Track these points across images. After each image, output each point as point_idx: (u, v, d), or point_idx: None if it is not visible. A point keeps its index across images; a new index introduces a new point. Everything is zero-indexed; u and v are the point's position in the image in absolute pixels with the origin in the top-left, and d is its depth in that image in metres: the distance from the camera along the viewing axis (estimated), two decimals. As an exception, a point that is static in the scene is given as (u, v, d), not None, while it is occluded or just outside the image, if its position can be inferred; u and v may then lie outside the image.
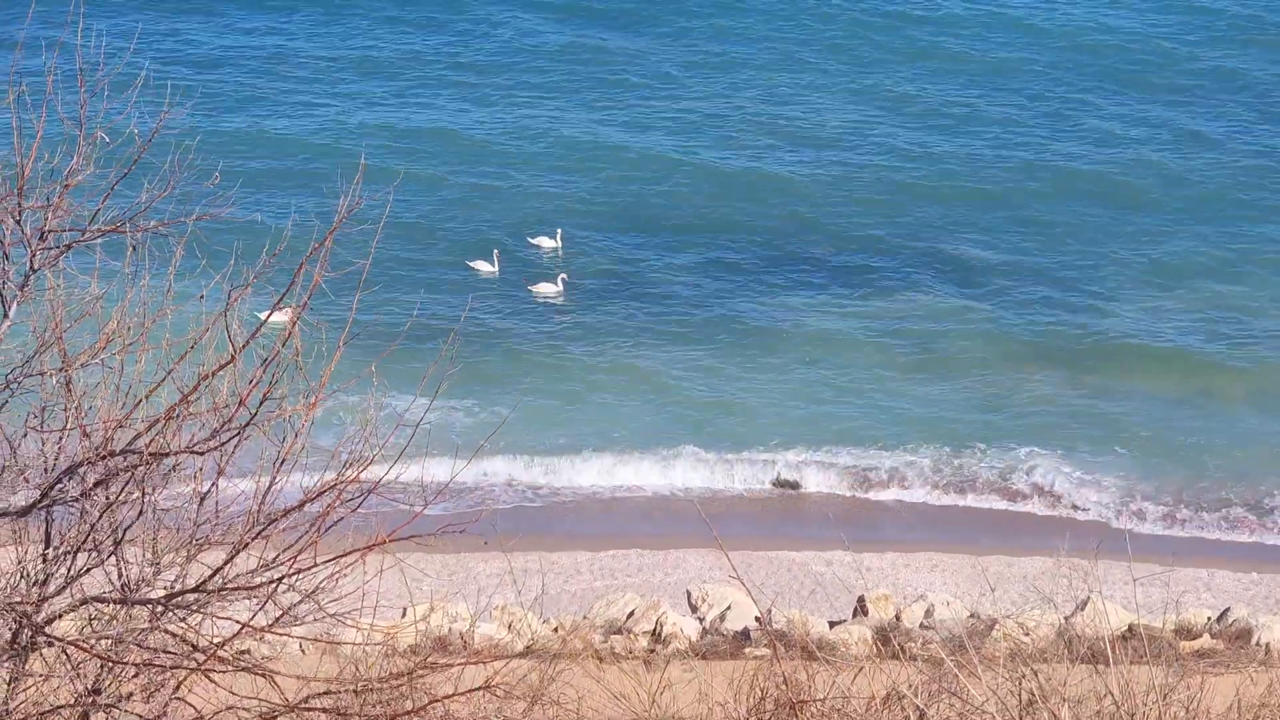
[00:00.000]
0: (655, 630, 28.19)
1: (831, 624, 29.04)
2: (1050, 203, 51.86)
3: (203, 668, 12.60)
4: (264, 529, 12.79)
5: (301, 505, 12.82)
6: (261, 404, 12.56)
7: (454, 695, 13.88)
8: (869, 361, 43.99)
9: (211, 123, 52.74)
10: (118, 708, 12.67)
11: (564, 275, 46.82)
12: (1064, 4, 65.66)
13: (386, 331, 40.30)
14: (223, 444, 12.70)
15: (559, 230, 48.77)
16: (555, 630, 27.76)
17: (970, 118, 57.11)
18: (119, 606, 12.58)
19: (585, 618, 28.81)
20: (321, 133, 54.53)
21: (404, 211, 48.76)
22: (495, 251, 47.43)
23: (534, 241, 48.68)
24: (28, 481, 12.89)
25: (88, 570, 12.75)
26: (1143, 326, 45.77)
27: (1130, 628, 27.54)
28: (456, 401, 39.95)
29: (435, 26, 62.70)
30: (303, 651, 22.01)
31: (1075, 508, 39.12)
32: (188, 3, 63.49)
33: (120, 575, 12.77)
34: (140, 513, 12.65)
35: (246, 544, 12.70)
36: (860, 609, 29.68)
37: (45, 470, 12.90)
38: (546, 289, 46.56)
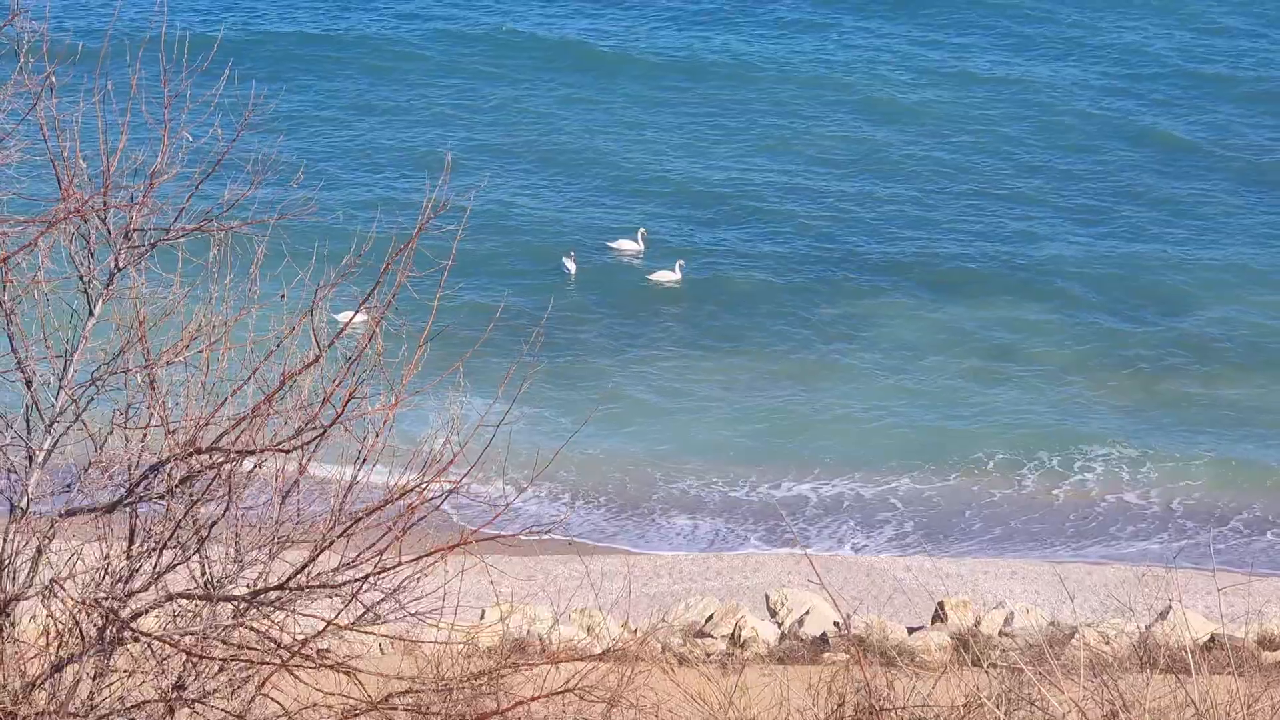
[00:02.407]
0: (734, 634, 28.12)
1: (910, 630, 28.90)
2: (1131, 204, 51.63)
3: (286, 665, 12.62)
4: (347, 528, 12.81)
5: (384, 504, 12.83)
6: (345, 403, 12.57)
7: (537, 697, 13.87)
8: (946, 366, 43.80)
9: (295, 122, 52.92)
10: (203, 703, 12.71)
11: (681, 261, 46.79)
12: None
13: (471, 330, 40.29)
14: (306, 443, 12.72)
15: (641, 230, 48.36)
16: (634, 633, 27.73)
17: (1050, 120, 56.98)
18: (203, 603, 12.63)
19: (664, 621, 28.77)
20: (408, 131, 54.62)
21: (492, 210, 48.67)
22: (571, 252, 47.24)
23: (614, 246, 48.29)
24: (112, 479, 12.95)
25: (172, 567, 12.80)
26: (1225, 331, 45.43)
27: (1212, 637, 27.30)
28: (540, 403, 39.83)
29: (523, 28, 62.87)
30: (382, 651, 22.06)
31: (1156, 516, 38.81)
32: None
33: (204, 572, 12.82)
34: (224, 510, 12.69)
35: (330, 543, 12.72)
36: (939, 615, 29.53)
37: (130, 468, 12.95)
38: (666, 275, 46.52)
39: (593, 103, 58.02)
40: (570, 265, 46.97)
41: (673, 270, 46.51)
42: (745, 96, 58.71)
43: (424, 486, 12.83)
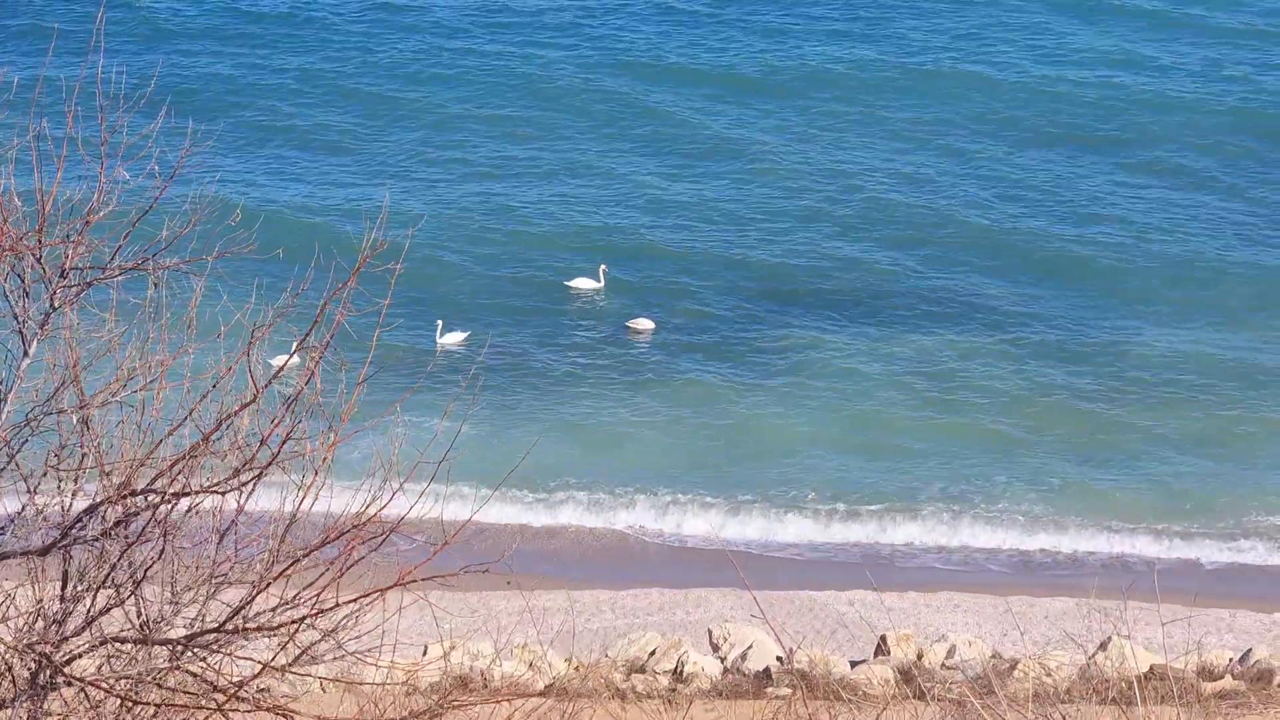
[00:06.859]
0: (676, 669, 28.08)
1: (853, 664, 28.90)
2: (1070, 240, 51.78)
3: (223, 708, 12.52)
4: (285, 568, 12.71)
5: (322, 544, 12.75)
6: (283, 444, 12.49)
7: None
8: (891, 400, 43.85)
9: (234, 159, 52.65)
10: (137, 748, 12.61)
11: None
12: (1085, 54, 65.73)
13: (412, 366, 40.18)
14: (244, 484, 12.63)
15: (603, 267, 47.52)
16: (576, 669, 27.65)
17: (995, 155, 57.11)
18: (138, 646, 12.52)
19: (606, 656, 28.70)
20: (347, 170, 54.35)
21: (434, 249, 48.34)
22: (439, 321, 44.66)
23: (572, 285, 47.36)
24: (46, 521, 12.84)
25: (107, 610, 12.68)
26: (1165, 364, 45.57)
27: (1152, 668, 27.40)
28: (481, 439, 39.64)
29: (463, 64, 62.66)
30: (323, 690, 21.93)
31: (1099, 546, 38.99)
32: (214, 34, 63.56)
33: (140, 614, 12.71)
34: (160, 552, 12.58)
35: (267, 584, 12.63)
36: (882, 648, 29.54)
37: (64, 510, 12.84)
38: (642, 324, 45.97)
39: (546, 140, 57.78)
40: (440, 337, 44.44)
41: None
42: (691, 134, 58.59)
43: (362, 525, 12.75)
